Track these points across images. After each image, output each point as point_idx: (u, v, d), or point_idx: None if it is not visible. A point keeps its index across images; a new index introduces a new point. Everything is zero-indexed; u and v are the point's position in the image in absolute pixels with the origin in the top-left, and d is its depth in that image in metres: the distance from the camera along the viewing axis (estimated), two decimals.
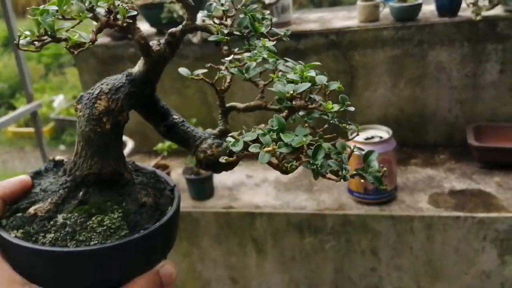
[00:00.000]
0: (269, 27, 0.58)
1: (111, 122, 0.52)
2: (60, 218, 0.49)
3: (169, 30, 0.56)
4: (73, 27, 0.51)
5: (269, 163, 0.46)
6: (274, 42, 0.56)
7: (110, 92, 0.52)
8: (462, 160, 1.88)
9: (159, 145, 1.81)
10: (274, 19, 0.60)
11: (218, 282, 1.82)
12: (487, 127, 1.88)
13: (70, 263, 0.47)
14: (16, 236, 0.48)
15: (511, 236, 1.53)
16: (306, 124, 0.52)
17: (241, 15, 0.58)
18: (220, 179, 1.90)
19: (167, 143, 1.78)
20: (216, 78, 0.55)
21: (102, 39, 2.11)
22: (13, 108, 5.08)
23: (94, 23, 0.52)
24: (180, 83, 2.04)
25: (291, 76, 0.51)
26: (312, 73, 0.51)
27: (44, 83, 5.97)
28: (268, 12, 0.60)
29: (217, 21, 0.59)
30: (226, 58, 0.55)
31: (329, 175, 0.48)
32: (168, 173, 1.81)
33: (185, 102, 2.06)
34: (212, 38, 0.56)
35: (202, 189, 1.79)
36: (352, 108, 0.51)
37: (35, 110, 2.70)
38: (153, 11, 1.97)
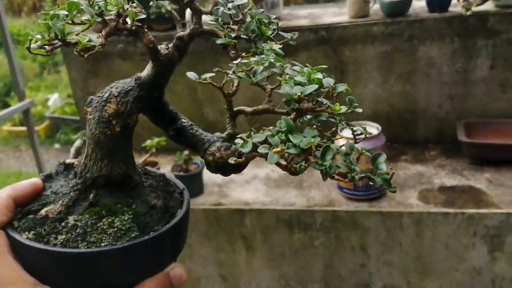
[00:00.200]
0: (276, 31, 0.59)
1: (121, 124, 0.52)
2: (71, 219, 0.49)
3: (177, 34, 0.56)
4: (83, 31, 0.51)
5: (278, 164, 0.47)
6: (281, 46, 0.57)
7: (120, 95, 0.53)
8: (452, 157, 1.87)
9: (148, 142, 1.79)
10: (281, 23, 0.61)
11: (207, 279, 1.81)
12: (478, 123, 1.87)
13: (81, 264, 0.47)
14: (27, 238, 0.48)
15: (501, 232, 1.52)
16: (314, 127, 0.52)
17: (248, 19, 0.59)
18: (210, 176, 1.90)
19: (156, 139, 1.77)
20: (223, 82, 0.56)
21: (90, 35, 2.09)
22: (7, 106, 5.06)
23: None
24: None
25: (298, 78, 0.51)
26: (319, 75, 0.51)
27: (39, 81, 5.95)
28: (274, 16, 0.61)
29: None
30: (234, 62, 0.56)
31: (337, 176, 0.48)
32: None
33: (174, 98, 2.05)
34: (219, 41, 0.56)
35: (191, 186, 1.78)
36: (360, 110, 0.52)
37: (27, 108, 2.69)
38: None
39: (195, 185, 1.79)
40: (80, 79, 2.11)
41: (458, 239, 1.56)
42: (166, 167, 1.96)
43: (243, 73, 0.54)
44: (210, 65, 1.88)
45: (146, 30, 0.54)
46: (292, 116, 0.51)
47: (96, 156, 0.53)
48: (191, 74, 0.55)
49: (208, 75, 0.55)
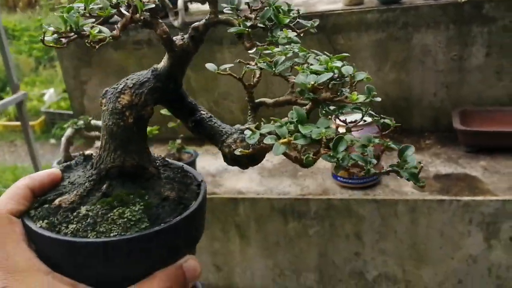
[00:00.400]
0: (296, 19, 0.58)
1: (134, 116, 0.53)
2: (83, 209, 0.50)
3: (193, 25, 0.56)
4: (98, 23, 0.52)
5: (288, 156, 0.46)
6: (296, 34, 0.56)
7: (134, 87, 0.54)
8: (448, 145, 1.86)
9: None
10: (302, 10, 0.60)
11: (202, 268, 1.80)
12: (473, 111, 1.86)
13: (89, 254, 0.48)
14: (41, 226, 0.49)
15: (497, 220, 1.51)
16: (329, 117, 0.51)
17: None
18: (204, 165, 1.88)
19: (148, 128, 1.75)
20: (243, 73, 0.55)
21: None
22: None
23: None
24: None
25: (315, 67, 0.50)
26: (338, 63, 0.50)
27: (34, 76, 5.94)
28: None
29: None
30: (249, 51, 0.55)
31: (352, 169, 0.47)
32: None
33: None
34: (232, 29, 0.56)
35: None
36: (378, 99, 0.50)
37: (21, 100, 2.67)
38: None
39: None
40: (72, 68, 2.09)
41: (454, 226, 1.54)
42: None
43: (265, 64, 0.53)
44: (207, 56, 1.87)
45: (160, 21, 0.53)
46: (307, 106, 0.51)
47: (109, 147, 0.53)
48: (210, 66, 0.55)
49: (227, 65, 0.54)
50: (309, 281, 1.73)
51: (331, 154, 0.45)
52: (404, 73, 1.89)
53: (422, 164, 0.48)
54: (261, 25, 0.57)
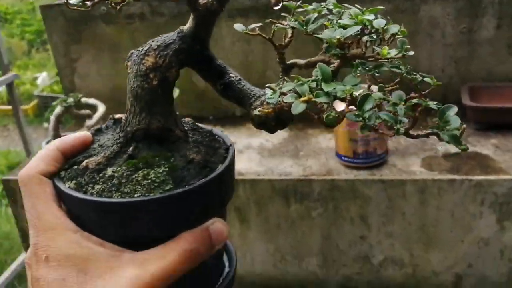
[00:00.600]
0: None
1: (158, 78, 0.53)
2: (109, 171, 0.51)
3: None
4: None
5: (309, 115, 0.44)
6: None
7: (159, 49, 0.53)
8: None
9: None
10: None
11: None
12: (482, 87, 1.79)
13: (114, 214, 0.49)
14: (69, 187, 0.51)
15: (511, 200, 1.44)
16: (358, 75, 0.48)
17: None
18: None
19: None
20: (272, 32, 0.53)
21: None
22: None
23: None
24: None
25: (343, 21, 0.48)
26: (370, 16, 0.48)
27: (27, 59, 5.86)
28: None
29: None
30: (274, 7, 0.55)
31: (381, 130, 0.45)
32: None
33: None
34: None
35: None
36: (411, 53, 0.49)
37: (11, 81, 2.61)
38: None
39: None
40: (61, 43, 2.00)
41: (465, 207, 1.47)
42: None
43: (296, 22, 0.51)
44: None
45: None
46: (335, 64, 0.49)
47: (135, 110, 0.54)
48: (238, 26, 0.53)
49: (255, 25, 0.54)
50: (311, 266, 1.66)
51: (357, 113, 0.43)
52: (411, 47, 1.80)
53: (464, 126, 0.45)
54: None
